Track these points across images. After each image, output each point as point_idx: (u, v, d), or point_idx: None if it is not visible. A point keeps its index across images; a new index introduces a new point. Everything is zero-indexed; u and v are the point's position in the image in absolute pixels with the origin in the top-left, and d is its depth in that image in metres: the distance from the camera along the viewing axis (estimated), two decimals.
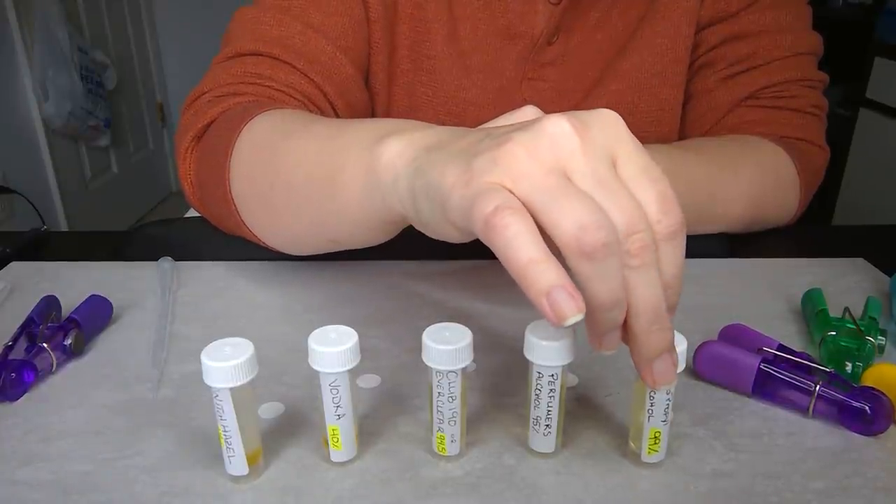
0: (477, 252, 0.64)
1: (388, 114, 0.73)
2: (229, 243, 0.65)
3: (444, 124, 0.49)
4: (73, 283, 0.59)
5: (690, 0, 0.70)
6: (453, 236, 0.35)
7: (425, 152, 0.35)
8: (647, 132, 0.73)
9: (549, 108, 0.35)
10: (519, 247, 0.29)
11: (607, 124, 0.32)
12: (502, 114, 0.38)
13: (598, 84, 0.72)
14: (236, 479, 0.38)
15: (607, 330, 0.32)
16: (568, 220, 0.29)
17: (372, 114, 0.73)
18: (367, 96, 0.70)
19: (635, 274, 0.31)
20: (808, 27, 0.73)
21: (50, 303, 0.52)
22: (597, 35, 0.71)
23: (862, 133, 2.05)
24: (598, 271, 0.29)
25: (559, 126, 0.31)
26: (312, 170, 0.45)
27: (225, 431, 0.36)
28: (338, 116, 0.65)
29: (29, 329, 0.48)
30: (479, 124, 0.38)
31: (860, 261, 0.64)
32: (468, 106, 0.72)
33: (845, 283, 0.60)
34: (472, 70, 0.71)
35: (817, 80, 0.73)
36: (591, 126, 0.32)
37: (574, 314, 0.29)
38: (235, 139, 0.52)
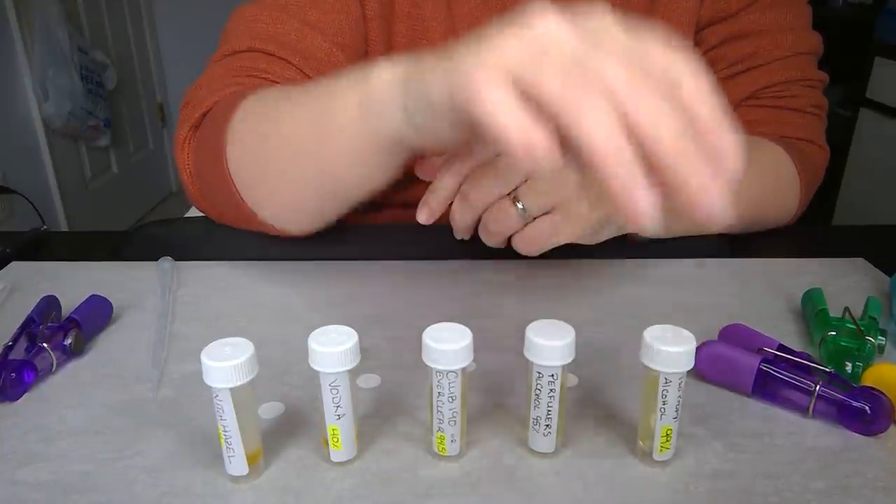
0: (477, 252, 0.64)
1: None
2: (229, 243, 0.65)
3: None
4: (73, 283, 0.59)
5: (690, 0, 0.70)
6: (447, 135, 0.36)
7: (416, 64, 0.37)
8: None
9: None
10: (502, 112, 0.30)
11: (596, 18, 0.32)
12: None
13: None
14: (236, 479, 0.38)
15: (625, 180, 0.29)
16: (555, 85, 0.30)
17: None
18: None
19: (632, 103, 0.29)
20: (809, 27, 0.73)
21: (50, 303, 0.52)
22: None
23: (862, 133, 2.05)
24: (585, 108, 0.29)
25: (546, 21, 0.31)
26: (306, 115, 0.46)
27: (225, 431, 0.36)
28: None
29: (29, 329, 0.48)
30: None
31: (860, 261, 0.64)
32: None
33: (845, 283, 0.60)
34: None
35: (817, 80, 0.74)
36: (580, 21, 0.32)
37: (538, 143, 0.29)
38: (231, 116, 0.52)
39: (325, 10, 0.64)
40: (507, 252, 0.64)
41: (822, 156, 0.74)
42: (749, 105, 0.72)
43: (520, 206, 0.46)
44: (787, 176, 0.69)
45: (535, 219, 0.47)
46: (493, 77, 0.30)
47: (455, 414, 0.38)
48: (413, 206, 0.51)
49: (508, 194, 0.46)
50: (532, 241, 0.47)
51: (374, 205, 0.76)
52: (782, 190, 0.69)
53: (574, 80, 0.29)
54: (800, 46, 0.71)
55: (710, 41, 0.72)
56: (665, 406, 0.37)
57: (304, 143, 0.47)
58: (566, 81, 0.29)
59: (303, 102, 0.47)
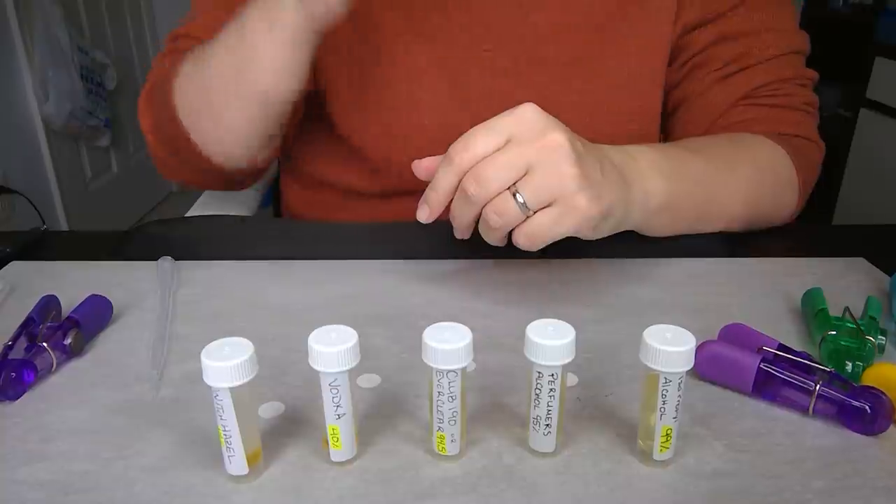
0: (477, 252, 0.64)
1: (338, 85, 0.73)
2: (229, 243, 0.65)
3: (397, 92, 0.68)
4: (73, 282, 0.59)
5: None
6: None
7: None
8: (625, 130, 0.73)
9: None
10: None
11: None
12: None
13: (571, 83, 0.72)
14: (236, 479, 0.38)
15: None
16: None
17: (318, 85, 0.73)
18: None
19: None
20: (796, 26, 0.74)
21: (50, 302, 0.52)
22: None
23: (862, 133, 2.05)
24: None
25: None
26: (224, 48, 0.60)
27: (225, 431, 0.36)
28: None
29: (29, 329, 0.48)
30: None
31: (860, 261, 0.64)
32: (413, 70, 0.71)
33: (845, 283, 0.60)
34: (422, 36, 0.71)
35: (808, 78, 0.74)
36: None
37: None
38: (173, 77, 0.64)
39: None
40: (507, 252, 0.64)
41: (818, 151, 0.74)
42: (745, 104, 0.72)
43: (520, 199, 0.46)
44: (785, 173, 0.69)
45: (535, 213, 0.47)
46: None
47: (455, 414, 0.38)
48: (413, 193, 0.56)
49: (508, 188, 0.47)
50: (533, 234, 0.48)
51: (381, 195, 0.76)
52: (781, 187, 0.69)
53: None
54: (790, 46, 0.72)
55: (700, 42, 0.72)
56: (665, 406, 0.37)
57: (226, 70, 0.60)
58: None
59: (220, 39, 0.60)
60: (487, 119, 0.48)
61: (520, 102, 0.48)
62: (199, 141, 0.65)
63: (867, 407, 0.40)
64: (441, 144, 0.50)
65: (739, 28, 0.71)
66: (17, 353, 0.46)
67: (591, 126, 0.61)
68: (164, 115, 0.66)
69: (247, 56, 0.59)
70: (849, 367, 0.45)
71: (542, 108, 0.48)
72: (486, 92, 0.71)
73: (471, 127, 0.48)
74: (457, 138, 0.48)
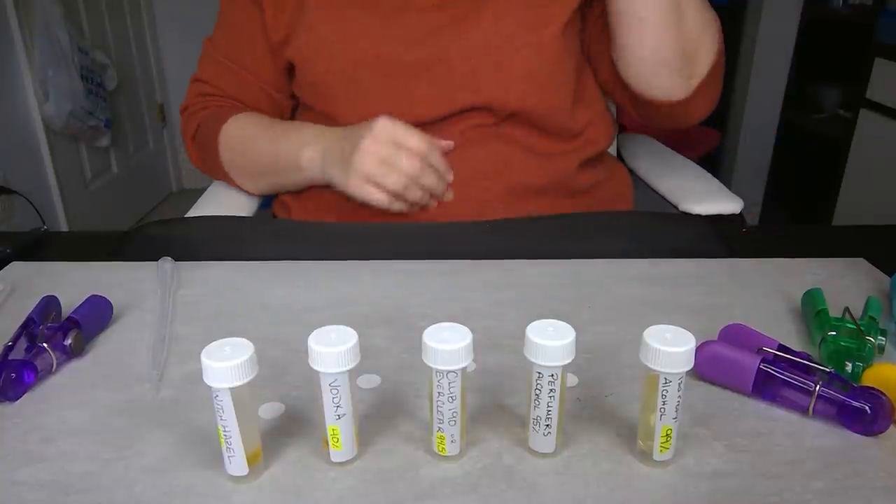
0: (477, 252, 0.64)
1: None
2: (229, 244, 0.65)
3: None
4: (73, 283, 0.59)
5: None
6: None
7: (323, 157, 0.74)
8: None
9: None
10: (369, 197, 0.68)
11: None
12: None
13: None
14: (236, 479, 0.38)
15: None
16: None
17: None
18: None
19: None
20: None
21: (50, 303, 0.52)
22: None
23: (862, 133, 2.05)
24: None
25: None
26: (263, 153, 0.80)
27: (225, 431, 0.36)
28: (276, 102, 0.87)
29: (29, 329, 0.48)
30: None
31: (860, 261, 0.64)
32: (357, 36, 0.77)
33: (845, 283, 0.60)
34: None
35: None
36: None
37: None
38: (218, 136, 0.82)
39: (246, 52, 0.82)
40: (507, 252, 0.64)
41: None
42: None
43: None
44: (712, 14, 0.75)
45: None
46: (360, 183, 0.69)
47: (455, 414, 0.38)
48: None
49: None
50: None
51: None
52: (710, 22, 0.74)
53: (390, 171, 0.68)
54: None
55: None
56: (665, 406, 0.37)
57: (260, 166, 0.82)
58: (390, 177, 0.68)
59: (262, 146, 0.80)
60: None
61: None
62: (239, 184, 0.86)
63: (867, 407, 0.40)
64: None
65: None
66: (18, 353, 0.46)
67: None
68: (209, 160, 0.85)
69: (276, 172, 0.81)
70: (849, 367, 0.45)
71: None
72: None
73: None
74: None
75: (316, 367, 0.36)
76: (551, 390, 0.37)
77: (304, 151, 0.75)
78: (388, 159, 0.67)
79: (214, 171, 0.86)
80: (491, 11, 0.73)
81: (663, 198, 0.89)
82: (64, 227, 2.32)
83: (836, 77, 2.33)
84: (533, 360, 0.37)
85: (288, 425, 0.42)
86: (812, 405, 0.42)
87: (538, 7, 0.74)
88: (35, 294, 0.54)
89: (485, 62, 0.73)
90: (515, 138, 0.76)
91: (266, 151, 0.79)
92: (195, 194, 0.88)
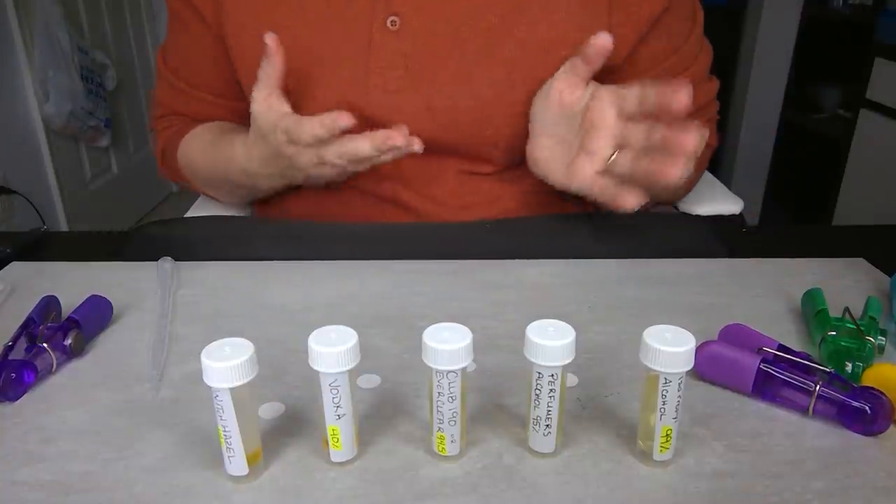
0: (477, 252, 0.64)
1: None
2: (229, 243, 0.65)
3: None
4: (73, 283, 0.59)
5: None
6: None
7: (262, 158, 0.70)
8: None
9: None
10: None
11: None
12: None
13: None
14: (236, 479, 0.38)
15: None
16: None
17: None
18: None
19: None
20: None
21: (50, 303, 0.52)
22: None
23: (862, 133, 2.05)
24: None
25: None
26: (213, 166, 0.78)
27: (225, 431, 0.36)
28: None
29: (29, 329, 0.48)
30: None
31: (860, 261, 0.64)
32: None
33: (845, 283, 0.60)
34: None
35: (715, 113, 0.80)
36: None
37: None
38: (176, 156, 0.83)
39: (194, 71, 0.81)
40: (507, 252, 0.64)
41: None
42: None
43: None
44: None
45: None
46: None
47: (455, 414, 0.38)
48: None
49: None
50: None
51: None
52: (704, 155, 0.76)
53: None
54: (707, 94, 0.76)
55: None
56: (665, 406, 0.37)
57: (215, 176, 0.79)
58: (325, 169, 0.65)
59: (211, 159, 0.78)
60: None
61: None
62: (210, 194, 0.86)
63: (867, 407, 0.40)
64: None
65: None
66: (18, 353, 0.46)
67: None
68: (177, 174, 0.85)
69: (228, 181, 0.78)
70: (849, 367, 0.45)
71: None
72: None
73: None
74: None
75: (316, 367, 0.36)
76: (551, 390, 0.37)
77: (242, 163, 0.72)
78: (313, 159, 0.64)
79: (193, 187, 0.86)
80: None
81: None
82: (64, 227, 2.32)
83: (836, 77, 2.33)
84: (533, 360, 0.37)
85: (288, 425, 0.42)
86: (812, 405, 0.42)
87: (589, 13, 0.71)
88: (35, 294, 0.54)
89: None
90: None
91: (211, 164, 0.78)
92: (195, 194, 0.88)
